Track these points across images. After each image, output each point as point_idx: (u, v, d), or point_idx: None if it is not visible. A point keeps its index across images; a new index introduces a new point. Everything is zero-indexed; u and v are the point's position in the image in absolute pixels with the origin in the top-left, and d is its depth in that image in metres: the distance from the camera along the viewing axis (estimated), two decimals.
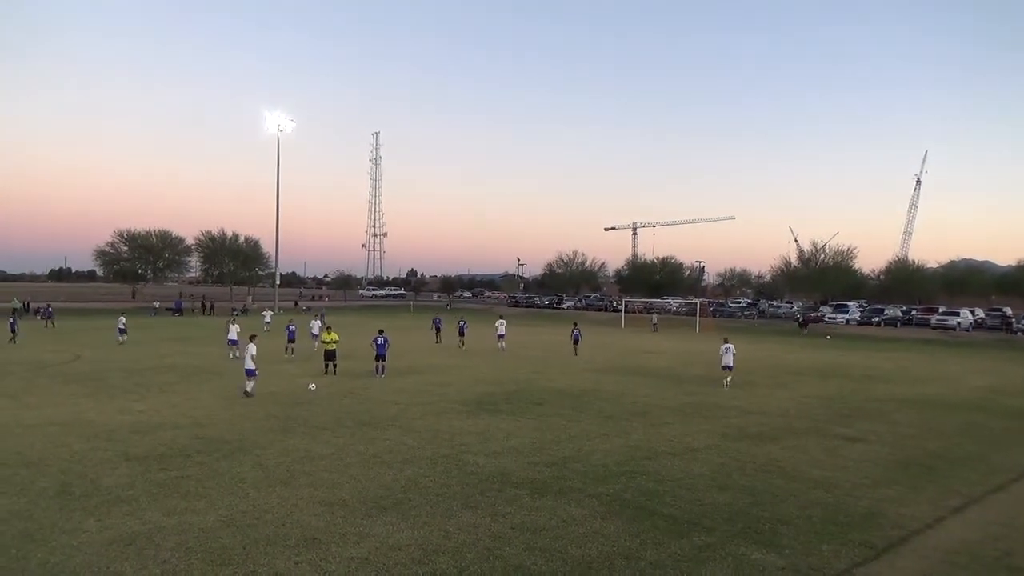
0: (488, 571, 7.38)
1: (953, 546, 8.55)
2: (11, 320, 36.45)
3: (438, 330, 38.69)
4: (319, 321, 35.53)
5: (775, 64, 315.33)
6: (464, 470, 11.48)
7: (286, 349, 29.57)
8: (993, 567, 7.97)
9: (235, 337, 28.36)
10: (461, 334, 35.89)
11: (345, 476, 10.94)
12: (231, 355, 27.70)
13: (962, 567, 7.88)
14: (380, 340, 23.28)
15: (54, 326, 44.87)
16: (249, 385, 18.68)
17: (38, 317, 54.64)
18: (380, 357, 23.20)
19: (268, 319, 42.21)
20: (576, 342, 33.26)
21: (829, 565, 7.80)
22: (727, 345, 23.10)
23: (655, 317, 60.56)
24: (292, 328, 30.53)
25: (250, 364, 18.60)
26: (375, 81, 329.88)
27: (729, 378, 22.58)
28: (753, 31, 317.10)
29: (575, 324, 35.47)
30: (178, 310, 65.58)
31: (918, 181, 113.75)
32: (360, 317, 63.43)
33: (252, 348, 18.95)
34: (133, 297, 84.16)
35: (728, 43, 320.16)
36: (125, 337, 34.50)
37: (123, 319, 36.12)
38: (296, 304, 79.32)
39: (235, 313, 66.60)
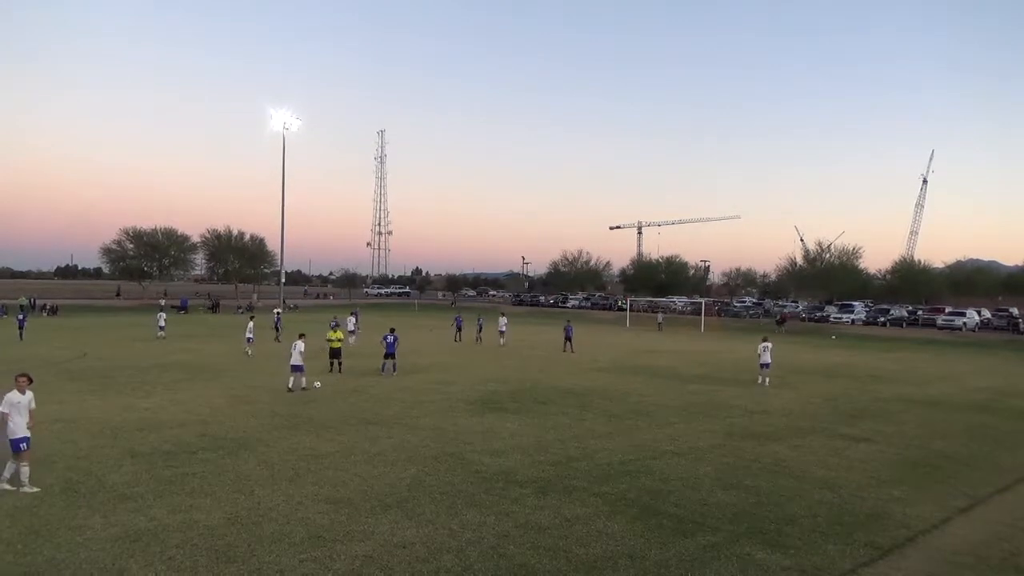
0: (492, 569, 7.38)
1: (959, 547, 8.52)
2: (20, 317, 36.93)
3: (459, 329, 40.08)
4: (354, 317, 38.05)
5: (781, 63, 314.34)
6: (469, 469, 11.49)
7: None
8: (999, 568, 7.93)
9: (252, 335, 29.43)
10: (480, 331, 38.54)
11: (350, 474, 10.96)
12: (248, 351, 28.57)
13: (968, 568, 7.85)
14: (390, 338, 23.60)
15: None
16: (291, 381, 19.36)
17: (44, 314, 55.08)
18: (389, 355, 23.45)
19: (278, 317, 43.00)
20: (568, 339, 33.81)
21: (834, 565, 7.78)
22: (765, 344, 23.61)
23: (660, 316, 60.57)
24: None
25: (297, 360, 19.27)
26: (380, 80, 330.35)
27: (767, 378, 23.22)
28: (759, 30, 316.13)
29: (568, 321, 36.30)
30: (184, 308, 65.79)
31: (924, 181, 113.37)
32: (365, 315, 63.38)
33: (300, 345, 19.65)
34: (117, 295, 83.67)
35: (734, 42, 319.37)
36: (164, 333, 35.92)
37: (163, 315, 38.10)
38: (283, 302, 78.14)
39: (240, 311, 66.83)
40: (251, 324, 30.15)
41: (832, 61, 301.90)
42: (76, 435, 13.18)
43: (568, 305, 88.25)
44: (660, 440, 14.17)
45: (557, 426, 15.33)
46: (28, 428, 9.88)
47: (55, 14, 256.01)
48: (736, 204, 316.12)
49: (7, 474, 9.76)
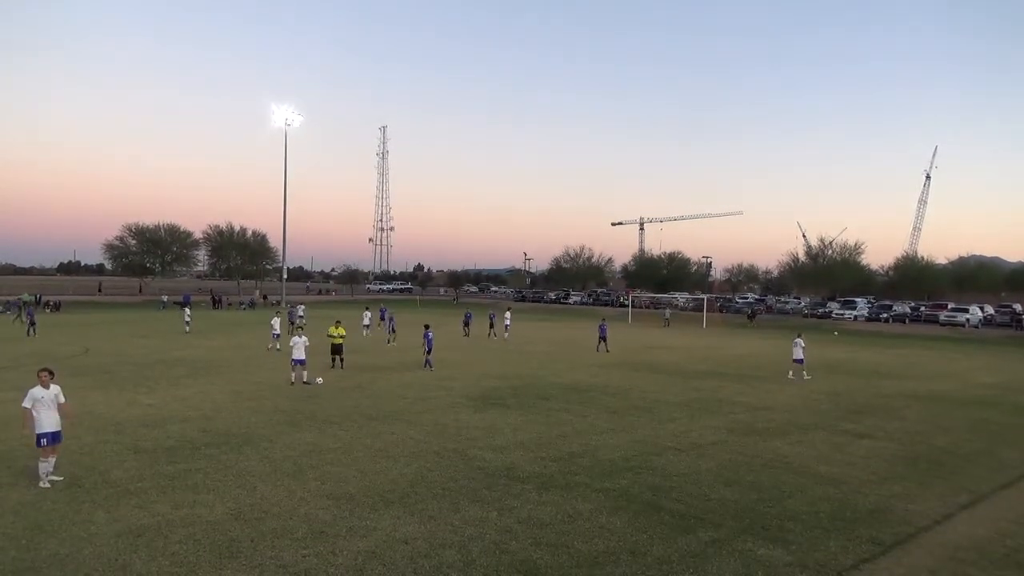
0: (495, 565, 7.39)
1: (962, 543, 8.51)
2: (28, 312, 37.25)
3: (467, 324, 40.66)
4: (369, 312, 40.31)
5: (783, 59, 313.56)
6: (471, 464, 11.50)
7: (388, 340, 33.34)
8: (1002, 563, 7.92)
9: (278, 330, 30.08)
10: (491, 325, 39.50)
11: (352, 470, 10.98)
12: (274, 347, 29.06)
13: (971, 564, 7.84)
14: (430, 335, 24.54)
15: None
16: (304, 375, 19.85)
17: (47, 310, 55.17)
18: (429, 351, 24.25)
19: (301, 312, 44.61)
20: (603, 338, 32.90)
21: (836, 561, 7.78)
22: (797, 340, 24.53)
23: (668, 312, 60.47)
24: (391, 317, 35.09)
25: (299, 355, 19.84)
26: (382, 76, 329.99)
27: (797, 372, 24.05)
28: (762, 26, 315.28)
29: (603, 319, 35.94)
30: (186, 304, 65.83)
31: (928, 177, 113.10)
32: (374, 311, 63.39)
33: (304, 340, 20.23)
34: (99, 291, 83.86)
35: (737, 38, 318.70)
36: (190, 328, 37.72)
37: (188, 311, 40.47)
38: (266, 298, 77.82)
39: (243, 307, 66.90)
40: (276, 320, 30.88)
41: (835, 57, 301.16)
42: (79, 431, 13.19)
43: (570, 301, 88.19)
44: (662, 436, 14.17)
45: (559, 422, 15.33)
46: (59, 423, 9.97)
47: (57, 11, 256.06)
48: (739, 200, 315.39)
49: (45, 471, 9.82)
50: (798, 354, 24.05)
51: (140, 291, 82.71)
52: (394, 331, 34.11)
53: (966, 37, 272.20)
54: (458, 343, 34.86)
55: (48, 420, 9.82)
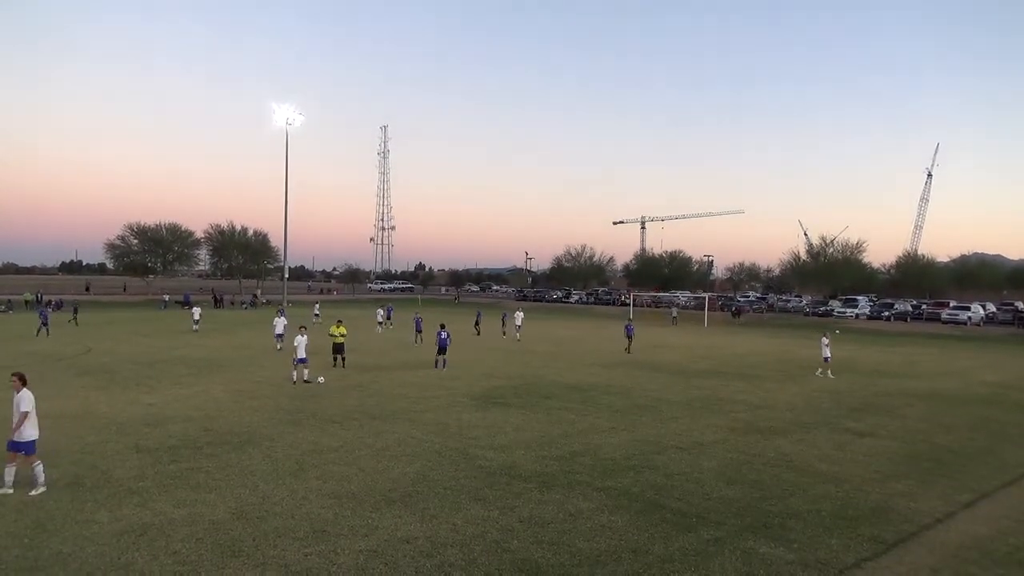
0: (496, 564, 7.40)
1: (963, 541, 8.51)
2: (40, 310, 37.44)
3: (477, 324, 41.55)
4: (382, 310, 41.60)
5: (784, 56, 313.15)
6: (472, 463, 11.51)
7: (416, 339, 33.48)
8: (1004, 562, 7.92)
9: (282, 331, 29.68)
10: (503, 324, 40.56)
11: (354, 469, 11.00)
12: (278, 347, 28.90)
13: (972, 562, 7.85)
14: (443, 335, 24.19)
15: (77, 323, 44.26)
16: (305, 373, 19.91)
17: (50, 310, 55.20)
18: (441, 351, 23.91)
19: (317, 311, 45.15)
20: (629, 338, 32.49)
21: (838, 559, 7.78)
22: (823, 339, 25.45)
23: (675, 310, 60.48)
24: (419, 318, 35.22)
25: (301, 353, 19.85)
26: (383, 74, 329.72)
27: (825, 370, 24.75)
28: (762, 23, 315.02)
29: (628, 320, 35.82)
30: (187, 303, 65.92)
31: (929, 175, 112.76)
32: (368, 310, 63.46)
33: (305, 339, 20.24)
34: (87, 290, 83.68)
35: (737, 36, 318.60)
36: (198, 327, 37.94)
37: (198, 310, 40.36)
38: (257, 297, 77.96)
39: (244, 306, 66.96)
40: (281, 320, 30.25)
41: (836, 54, 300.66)
42: (82, 430, 13.24)
43: (571, 300, 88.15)
44: (664, 435, 14.17)
45: (561, 421, 15.34)
46: (19, 432, 9.41)
47: (57, 11, 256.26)
48: (740, 199, 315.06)
49: (9, 478, 9.49)
50: (825, 352, 24.85)
51: (124, 290, 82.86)
52: (420, 331, 34.26)
53: (969, 33, 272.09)
54: (462, 342, 34.85)
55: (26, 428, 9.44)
